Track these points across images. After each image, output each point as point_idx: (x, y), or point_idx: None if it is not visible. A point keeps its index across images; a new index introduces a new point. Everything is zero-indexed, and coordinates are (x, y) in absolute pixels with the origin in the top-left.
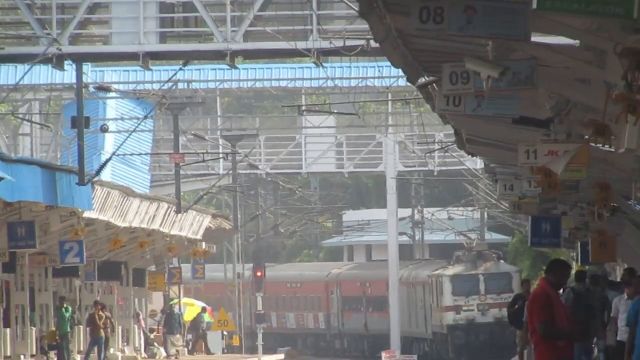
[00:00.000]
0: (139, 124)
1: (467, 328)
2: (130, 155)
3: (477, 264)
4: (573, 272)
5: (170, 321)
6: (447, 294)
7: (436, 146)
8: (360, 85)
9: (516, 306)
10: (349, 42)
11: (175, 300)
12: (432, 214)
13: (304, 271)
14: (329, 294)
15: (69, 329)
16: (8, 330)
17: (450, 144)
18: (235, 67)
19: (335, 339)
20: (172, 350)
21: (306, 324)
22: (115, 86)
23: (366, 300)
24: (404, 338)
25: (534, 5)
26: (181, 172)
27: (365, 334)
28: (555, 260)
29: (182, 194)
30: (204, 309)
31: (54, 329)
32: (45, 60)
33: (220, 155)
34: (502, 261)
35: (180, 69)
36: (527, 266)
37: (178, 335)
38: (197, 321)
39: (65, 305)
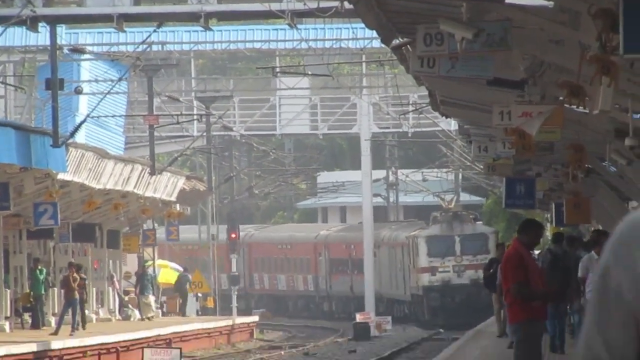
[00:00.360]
0: (113, 86)
1: (443, 290)
2: (105, 117)
3: (453, 225)
4: (550, 234)
5: (143, 282)
6: (422, 256)
7: (410, 108)
8: (334, 46)
9: (491, 270)
10: (323, 4)
11: (150, 262)
12: (407, 176)
13: (293, 232)
14: (317, 256)
15: (43, 291)
16: None
17: (424, 105)
18: (210, 29)
19: (324, 301)
20: (149, 313)
21: (296, 286)
22: (89, 48)
23: (351, 262)
24: (386, 300)
25: None
26: (155, 134)
27: (352, 296)
28: (528, 220)
29: (156, 155)
30: (185, 269)
31: (28, 291)
32: (20, 22)
33: (195, 117)
34: (478, 222)
35: (155, 31)
36: (502, 228)
37: (151, 297)
38: (181, 282)
39: (39, 267)
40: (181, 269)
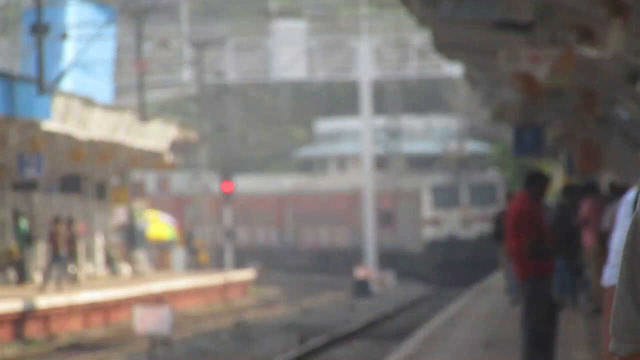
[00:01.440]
0: (101, 30)
1: (448, 244)
2: (92, 63)
3: (459, 174)
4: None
5: (133, 236)
6: (426, 206)
7: (413, 52)
8: None
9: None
10: None
11: (139, 215)
12: (409, 123)
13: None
14: (351, 208)
15: (25, 246)
16: None
17: (427, 49)
18: None
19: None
20: (139, 268)
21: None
22: None
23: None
24: (393, 254)
25: None
26: (145, 80)
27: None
28: (534, 172)
29: (146, 104)
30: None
31: (12, 245)
32: None
33: (186, 63)
34: (486, 172)
35: None
36: (509, 178)
37: (139, 252)
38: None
39: (21, 219)
40: (171, 222)
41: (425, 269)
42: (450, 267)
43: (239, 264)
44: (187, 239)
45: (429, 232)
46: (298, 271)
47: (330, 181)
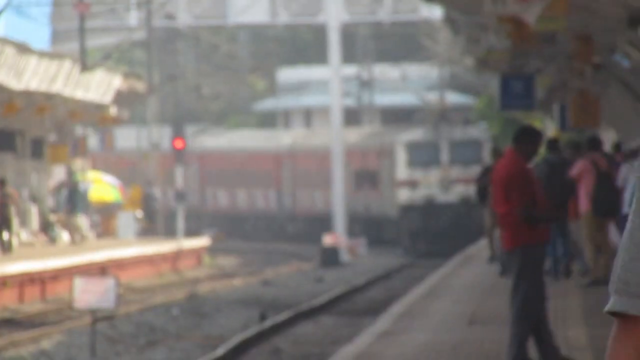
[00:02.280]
0: None
1: (425, 209)
2: (28, 5)
3: (439, 129)
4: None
5: (74, 200)
6: (400, 166)
7: None
8: None
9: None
10: None
11: (80, 175)
12: (383, 72)
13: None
14: (279, 168)
15: None
16: None
17: None
18: None
19: (288, 222)
20: (79, 234)
21: (255, 205)
22: None
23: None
24: (362, 220)
25: None
26: (86, 24)
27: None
28: (525, 128)
29: (87, 50)
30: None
31: None
32: None
33: (133, 5)
34: (470, 126)
35: None
36: (495, 134)
37: (82, 217)
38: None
39: None
40: (116, 183)
41: (399, 236)
42: (427, 235)
43: (196, 230)
44: (144, 200)
45: (404, 195)
46: (259, 239)
47: (296, 137)
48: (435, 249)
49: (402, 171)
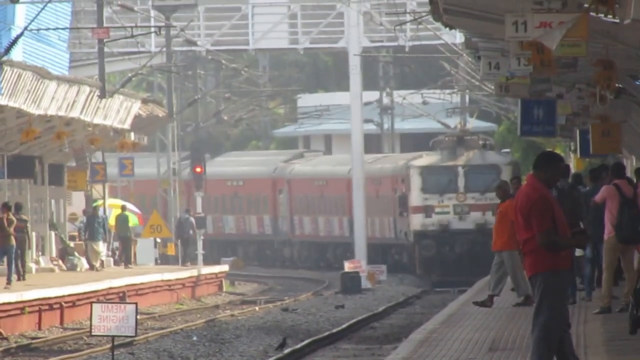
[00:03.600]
0: None
1: (440, 236)
2: (46, 30)
3: (456, 153)
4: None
5: (93, 226)
6: (415, 192)
7: (408, 17)
8: None
9: None
10: None
11: (99, 202)
12: (404, 98)
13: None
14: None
15: None
16: None
17: (424, 14)
18: None
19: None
20: (97, 262)
21: (332, 231)
22: None
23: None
24: (377, 246)
25: None
26: (106, 49)
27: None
28: (546, 154)
29: (107, 75)
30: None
31: None
32: None
33: (152, 30)
34: (489, 150)
35: None
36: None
37: (101, 244)
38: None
39: None
40: (136, 209)
41: (412, 265)
42: (441, 264)
43: (218, 256)
44: (178, 227)
45: (418, 222)
46: (279, 265)
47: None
48: (450, 278)
49: (416, 197)
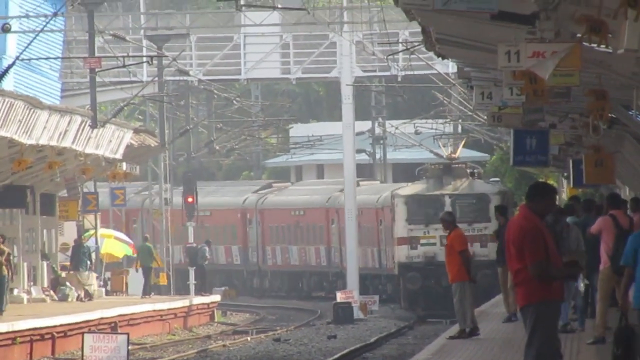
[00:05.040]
0: (47, 23)
1: (426, 268)
2: (38, 59)
3: (443, 182)
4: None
5: (79, 256)
6: (400, 222)
7: (400, 47)
8: None
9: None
10: None
11: (91, 232)
12: (396, 128)
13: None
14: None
15: None
16: None
17: (416, 44)
18: None
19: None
20: (82, 292)
21: (308, 261)
22: None
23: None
24: (370, 276)
25: None
26: (97, 79)
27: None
28: (539, 184)
29: (98, 105)
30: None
31: None
32: None
33: (144, 59)
34: (477, 179)
35: None
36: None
37: (87, 273)
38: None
39: None
40: (128, 239)
41: (397, 298)
42: (427, 296)
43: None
44: (192, 256)
45: (403, 253)
46: (268, 295)
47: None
48: (436, 312)
49: (401, 228)
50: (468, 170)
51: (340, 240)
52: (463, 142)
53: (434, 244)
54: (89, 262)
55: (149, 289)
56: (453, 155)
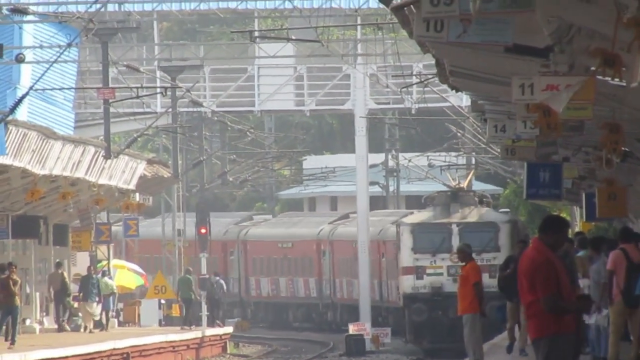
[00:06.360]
0: (61, 53)
1: (432, 299)
2: (51, 90)
3: (450, 210)
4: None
5: (87, 287)
6: (405, 251)
7: (414, 80)
8: (323, 6)
9: (508, 270)
10: None
11: (104, 263)
12: (409, 160)
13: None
14: (319, 254)
15: None
16: None
17: (430, 77)
18: None
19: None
20: (90, 324)
21: (297, 292)
22: (33, 8)
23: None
24: (372, 308)
25: None
26: (111, 110)
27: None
28: (552, 218)
29: (112, 136)
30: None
31: None
32: None
33: (158, 90)
34: (486, 208)
35: None
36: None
37: (95, 304)
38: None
39: None
40: (141, 270)
41: (402, 330)
42: (433, 329)
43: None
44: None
45: (408, 284)
46: (282, 328)
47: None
48: (442, 345)
49: (406, 257)
50: (476, 198)
51: (333, 272)
52: (472, 173)
53: (441, 274)
54: (97, 293)
55: (189, 321)
56: (461, 185)
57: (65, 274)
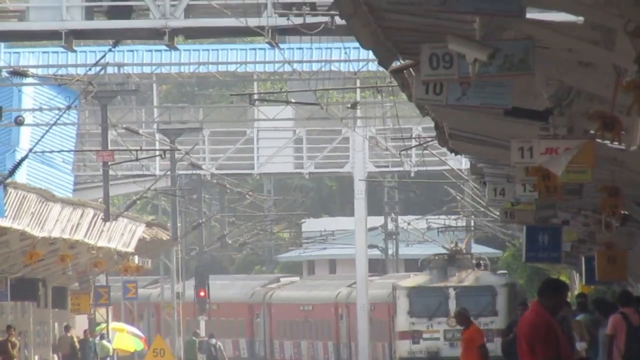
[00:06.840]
0: (60, 116)
1: None
2: (50, 152)
3: (447, 273)
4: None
5: (85, 351)
6: (401, 315)
7: (413, 143)
8: (323, 69)
9: (512, 335)
10: (309, 19)
11: (103, 325)
12: (408, 223)
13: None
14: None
15: None
16: None
17: (429, 140)
18: (175, 48)
19: None
20: None
21: (317, 356)
22: (32, 70)
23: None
24: None
25: None
26: (110, 172)
27: None
28: (551, 281)
29: (111, 198)
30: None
31: None
32: None
33: (157, 153)
34: (483, 271)
35: (110, 50)
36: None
37: None
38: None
39: None
40: (140, 333)
41: None
42: None
43: None
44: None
45: (405, 348)
46: None
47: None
48: None
49: (403, 321)
50: (474, 262)
51: (349, 335)
52: (468, 236)
53: (438, 339)
54: (95, 356)
55: None
56: (458, 248)
57: (75, 338)
